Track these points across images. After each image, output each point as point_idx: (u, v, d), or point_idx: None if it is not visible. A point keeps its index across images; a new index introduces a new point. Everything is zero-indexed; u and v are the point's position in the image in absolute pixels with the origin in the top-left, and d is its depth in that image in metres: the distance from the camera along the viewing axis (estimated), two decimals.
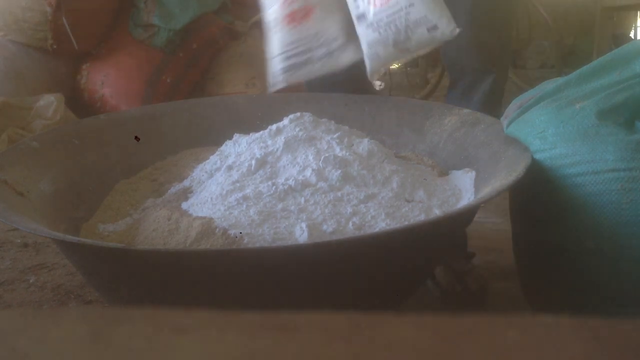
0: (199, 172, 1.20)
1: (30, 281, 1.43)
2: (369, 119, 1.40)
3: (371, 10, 1.20)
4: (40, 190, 1.09)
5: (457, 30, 1.16)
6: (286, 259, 0.81)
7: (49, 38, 2.61)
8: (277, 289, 0.83)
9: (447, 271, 1.34)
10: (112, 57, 2.74)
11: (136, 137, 1.36)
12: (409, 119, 1.33)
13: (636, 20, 5.75)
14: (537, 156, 1.01)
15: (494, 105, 1.42)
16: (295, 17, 1.25)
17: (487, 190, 1.01)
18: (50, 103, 2.42)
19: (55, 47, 2.64)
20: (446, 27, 1.15)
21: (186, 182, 1.19)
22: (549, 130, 1.00)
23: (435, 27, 1.15)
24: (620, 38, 4.66)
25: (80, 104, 2.76)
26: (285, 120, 1.18)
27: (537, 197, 1.04)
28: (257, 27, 3.10)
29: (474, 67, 1.39)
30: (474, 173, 1.14)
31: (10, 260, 1.56)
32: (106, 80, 2.71)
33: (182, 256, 0.84)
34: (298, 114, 1.19)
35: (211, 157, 1.23)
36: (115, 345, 0.27)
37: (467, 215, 1.04)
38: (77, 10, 2.62)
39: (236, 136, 1.25)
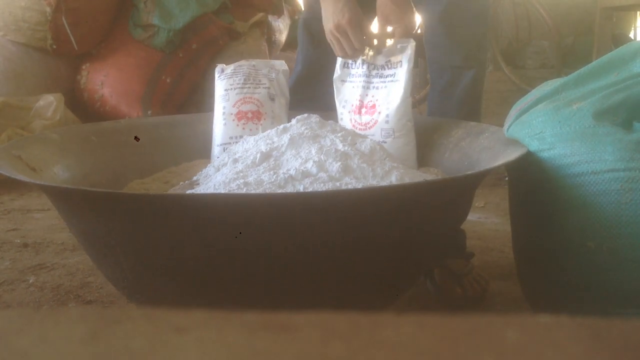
0: (208, 168, 1.23)
1: (30, 281, 1.43)
2: None
3: (350, 127, 1.34)
4: (54, 173, 1.12)
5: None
6: (273, 207, 0.84)
7: (49, 38, 2.61)
8: (264, 240, 0.85)
9: (446, 273, 1.34)
10: (112, 57, 2.74)
11: (136, 138, 1.38)
12: (416, 131, 1.34)
13: (636, 20, 5.75)
14: (536, 156, 1.01)
15: (474, 101, 1.43)
16: (245, 116, 1.39)
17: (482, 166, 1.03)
18: (50, 103, 2.42)
19: (55, 47, 2.64)
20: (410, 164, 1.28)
21: (194, 177, 1.22)
22: (547, 130, 1.01)
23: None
24: (620, 38, 4.66)
25: (80, 104, 2.76)
26: (293, 121, 1.20)
27: (537, 197, 1.04)
28: (257, 27, 3.10)
29: (452, 65, 1.40)
30: None
31: (10, 260, 1.56)
32: (106, 80, 2.71)
33: (177, 200, 0.88)
34: (305, 115, 1.21)
35: (220, 156, 1.26)
36: (115, 345, 0.27)
37: (462, 183, 1.05)
38: (77, 10, 2.62)
39: (245, 137, 1.28)
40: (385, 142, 1.29)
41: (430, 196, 0.96)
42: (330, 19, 1.30)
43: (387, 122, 1.30)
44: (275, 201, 0.86)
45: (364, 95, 1.34)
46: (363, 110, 1.34)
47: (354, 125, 1.35)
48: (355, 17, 1.27)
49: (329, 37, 1.32)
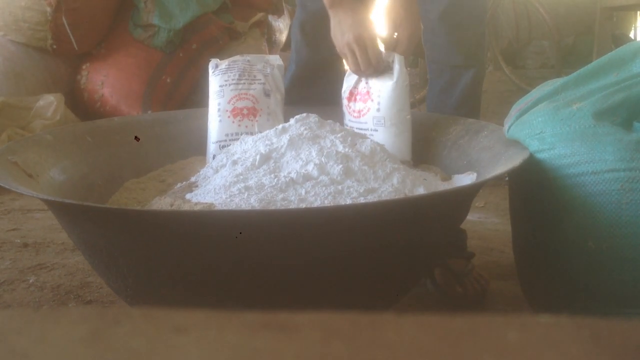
0: (206, 169, 1.22)
1: (30, 281, 1.43)
2: None
3: (347, 116, 1.37)
4: (50, 177, 1.11)
5: (406, 164, 1.26)
6: (273, 223, 0.83)
7: (49, 38, 2.61)
8: (263, 255, 0.85)
9: (447, 273, 1.34)
10: (112, 57, 2.74)
11: (136, 137, 1.37)
12: (415, 129, 1.34)
13: (636, 20, 5.75)
14: (536, 157, 1.01)
15: (474, 100, 1.43)
16: (241, 112, 1.39)
17: (485, 176, 1.03)
18: (50, 103, 2.42)
19: (55, 47, 2.64)
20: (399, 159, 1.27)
21: (192, 178, 1.21)
22: (547, 130, 1.01)
23: None
24: (620, 38, 4.66)
25: (80, 104, 2.76)
26: (292, 120, 1.19)
27: (537, 197, 1.04)
28: (257, 27, 3.10)
29: (452, 64, 1.40)
30: (475, 175, 1.15)
31: (10, 260, 1.56)
32: (106, 80, 2.71)
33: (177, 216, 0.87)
34: (304, 114, 1.20)
35: (218, 156, 1.25)
36: (115, 345, 0.27)
37: (461, 195, 1.05)
38: (77, 10, 2.62)
39: (243, 136, 1.27)
40: (376, 131, 1.29)
41: (436, 206, 0.96)
42: (349, 30, 1.25)
43: (378, 110, 1.30)
44: (278, 217, 0.86)
45: (359, 82, 1.34)
46: (358, 97, 1.34)
47: (348, 112, 1.36)
48: (375, 31, 1.26)
49: (343, 49, 1.28)
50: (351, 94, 1.36)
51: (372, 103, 1.31)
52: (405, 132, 1.30)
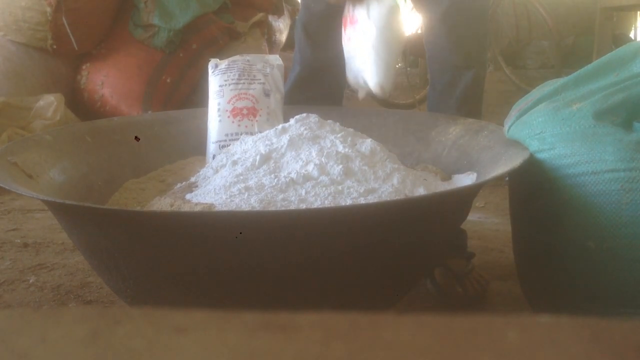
0: (206, 169, 1.22)
1: (30, 281, 1.43)
2: (375, 130, 1.40)
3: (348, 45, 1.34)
4: (50, 178, 1.12)
5: (380, 89, 1.26)
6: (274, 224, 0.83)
7: (49, 38, 2.61)
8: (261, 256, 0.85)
9: (447, 273, 1.34)
10: (112, 57, 2.74)
11: (136, 137, 1.38)
12: (415, 129, 1.34)
13: (636, 20, 5.75)
14: (536, 157, 1.01)
15: (475, 101, 1.43)
16: (241, 112, 1.39)
17: (485, 177, 1.03)
18: (50, 103, 2.42)
19: (55, 47, 2.64)
20: (372, 83, 1.26)
21: (192, 179, 1.21)
22: (547, 131, 1.01)
23: (364, 81, 1.27)
24: (620, 38, 4.66)
25: (80, 104, 2.76)
26: (292, 121, 1.19)
27: (537, 197, 1.04)
28: (257, 27, 3.10)
29: (453, 65, 1.40)
30: (475, 175, 1.15)
31: (10, 260, 1.56)
32: (106, 80, 2.71)
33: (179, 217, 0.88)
34: (304, 114, 1.20)
35: (218, 156, 1.25)
36: (115, 345, 0.27)
37: (461, 195, 1.04)
38: (77, 10, 2.62)
39: (243, 136, 1.27)
40: (362, 51, 1.26)
41: (436, 207, 0.96)
42: None
43: (370, 32, 1.26)
44: (278, 218, 0.86)
45: (354, 7, 1.31)
46: (351, 20, 1.31)
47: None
48: None
49: None
50: (345, 19, 1.33)
51: (364, 25, 1.28)
52: (391, 59, 1.27)
